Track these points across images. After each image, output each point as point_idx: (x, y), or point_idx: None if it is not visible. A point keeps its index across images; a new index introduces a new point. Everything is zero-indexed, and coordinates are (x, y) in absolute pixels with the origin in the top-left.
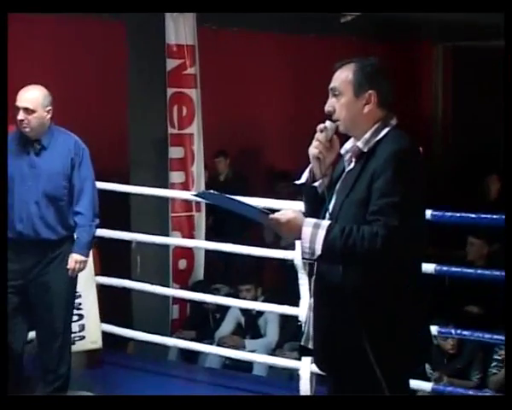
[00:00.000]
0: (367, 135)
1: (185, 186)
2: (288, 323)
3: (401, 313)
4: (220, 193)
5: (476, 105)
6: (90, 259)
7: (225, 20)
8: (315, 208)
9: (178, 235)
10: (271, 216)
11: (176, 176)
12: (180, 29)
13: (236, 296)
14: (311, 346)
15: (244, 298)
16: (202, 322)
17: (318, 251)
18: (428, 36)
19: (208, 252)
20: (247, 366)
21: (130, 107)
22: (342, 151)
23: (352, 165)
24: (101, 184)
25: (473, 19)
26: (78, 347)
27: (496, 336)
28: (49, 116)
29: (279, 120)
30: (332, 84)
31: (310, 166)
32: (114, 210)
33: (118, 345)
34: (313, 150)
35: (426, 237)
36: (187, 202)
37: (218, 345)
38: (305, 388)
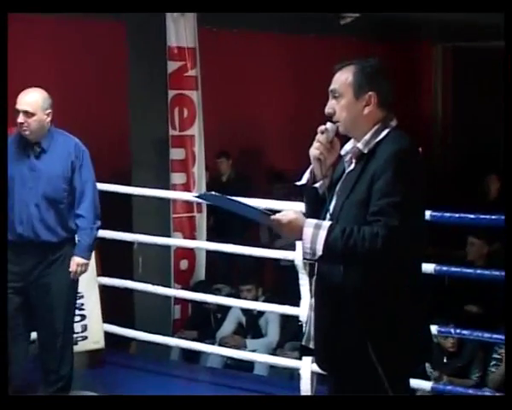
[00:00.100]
0: (367, 136)
1: (186, 187)
2: (289, 323)
3: (401, 313)
4: (221, 194)
5: (476, 105)
6: (92, 260)
7: (226, 22)
8: (315, 209)
9: (180, 236)
10: (273, 217)
11: (177, 177)
12: (181, 31)
13: (237, 297)
14: (312, 346)
15: (245, 298)
16: (204, 322)
17: (319, 251)
18: (428, 36)
19: (209, 252)
20: (249, 365)
21: (131, 107)
22: (342, 152)
23: (353, 166)
24: (103, 186)
25: (472, 19)
26: (80, 347)
27: (495, 336)
28: (48, 119)
29: (280, 120)
30: (332, 86)
31: (310, 167)
32: (116, 211)
33: (120, 345)
34: (314, 151)
35: (426, 237)
36: (188, 203)
37: (220, 345)
38: (305, 387)
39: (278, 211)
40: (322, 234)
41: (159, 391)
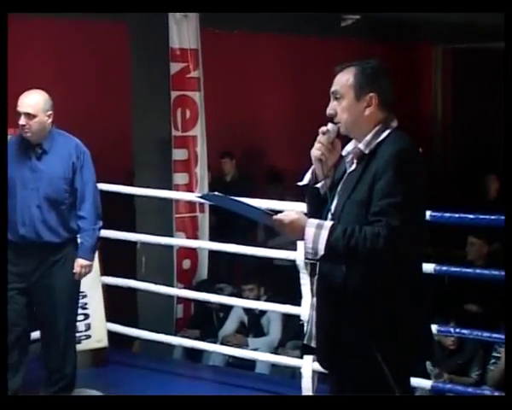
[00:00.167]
0: (368, 137)
1: (189, 188)
2: (290, 322)
3: (402, 312)
4: (224, 195)
5: (475, 106)
6: (96, 259)
7: (227, 23)
8: (317, 209)
9: (182, 235)
10: (275, 217)
11: (179, 177)
12: (183, 33)
13: (239, 296)
14: (313, 344)
15: (247, 298)
16: (206, 321)
17: (321, 251)
18: (428, 38)
19: (212, 252)
20: (250, 364)
21: (134, 108)
22: (344, 153)
23: (354, 166)
24: (106, 186)
25: (472, 20)
26: (84, 346)
27: (494, 335)
28: (49, 120)
29: (281, 121)
30: (333, 88)
31: (312, 167)
32: (120, 211)
33: (123, 344)
34: (315, 152)
35: (426, 236)
36: (191, 203)
37: (222, 344)
38: (307, 386)
39: (280, 211)
40: (324, 234)
41: (161, 389)
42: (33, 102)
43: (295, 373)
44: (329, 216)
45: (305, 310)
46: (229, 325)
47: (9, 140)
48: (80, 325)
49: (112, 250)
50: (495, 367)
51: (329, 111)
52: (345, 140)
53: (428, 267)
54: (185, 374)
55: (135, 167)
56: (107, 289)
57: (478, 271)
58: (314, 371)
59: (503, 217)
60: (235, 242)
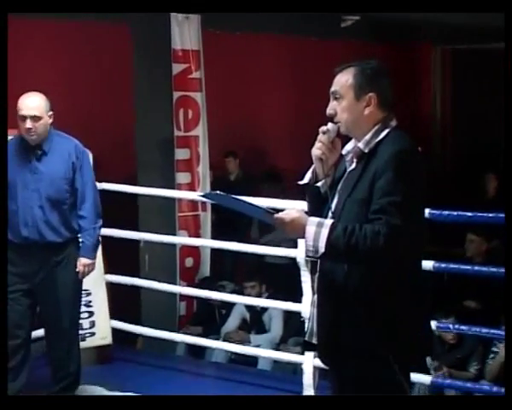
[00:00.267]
0: (368, 136)
1: (191, 187)
2: (292, 319)
3: (402, 310)
4: (226, 194)
5: (475, 107)
6: (99, 258)
7: (229, 24)
8: (318, 208)
9: (185, 234)
10: (276, 216)
11: (182, 177)
12: (185, 34)
13: (241, 293)
14: (314, 341)
15: (249, 295)
16: (208, 318)
17: (322, 249)
18: (428, 38)
19: (214, 250)
20: (252, 360)
21: (137, 108)
22: (344, 152)
23: (354, 165)
24: (110, 186)
25: (472, 21)
26: (88, 343)
27: (493, 331)
28: (50, 121)
29: (282, 121)
30: (333, 88)
31: (312, 166)
32: (123, 210)
33: (127, 341)
34: (316, 151)
35: (426, 235)
36: (193, 202)
37: (224, 340)
38: (308, 382)
39: (281, 210)
40: (325, 232)
41: (165, 386)
42: (37, 105)
43: (297, 369)
44: (330, 214)
45: (306, 307)
46: (232, 322)
47: (8, 142)
48: (85, 323)
49: (115, 249)
50: (493, 362)
51: (329, 111)
52: (345, 139)
53: (428, 264)
54: (188, 370)
55: (138, 167)
56: (111, 287)
57: (477, 268)
58: (315, 368)
59: (501, 215)
60: (236, 240)
